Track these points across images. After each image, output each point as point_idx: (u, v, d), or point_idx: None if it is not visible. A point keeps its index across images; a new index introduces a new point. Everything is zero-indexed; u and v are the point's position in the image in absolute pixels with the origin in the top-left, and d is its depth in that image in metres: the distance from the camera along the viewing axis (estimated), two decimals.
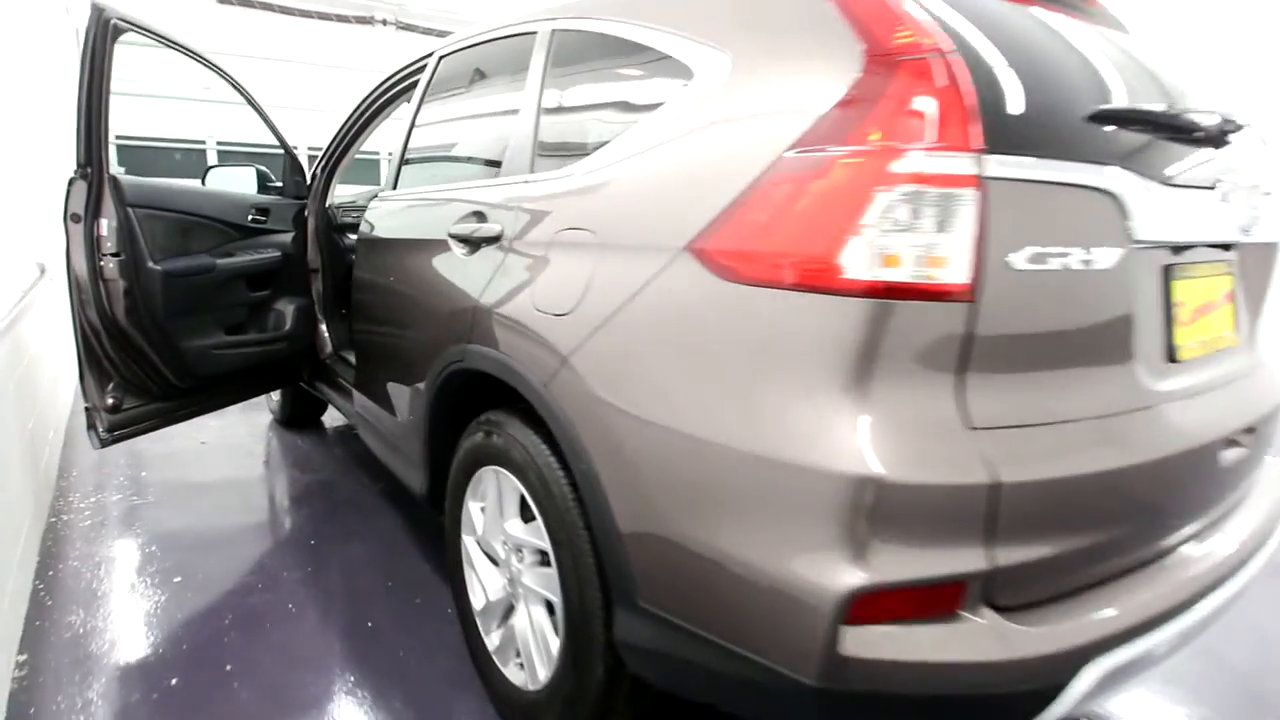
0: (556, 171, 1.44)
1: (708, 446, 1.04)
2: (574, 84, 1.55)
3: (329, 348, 3.07)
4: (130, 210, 2.14)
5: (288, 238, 2.84)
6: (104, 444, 2.17)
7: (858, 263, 0.92)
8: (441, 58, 2.15)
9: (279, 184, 2.96)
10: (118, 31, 2.02)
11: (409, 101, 2.31)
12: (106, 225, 2.08)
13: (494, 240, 1.55)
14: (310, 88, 8.20)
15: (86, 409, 2.16)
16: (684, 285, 1.09)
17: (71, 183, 2.04)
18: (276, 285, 2.78)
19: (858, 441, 0.93)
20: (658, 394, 1.11)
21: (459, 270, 1.66)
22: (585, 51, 1.53)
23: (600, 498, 1.19)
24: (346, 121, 2.80)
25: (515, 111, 1.67)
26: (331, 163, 2.96)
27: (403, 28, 8.84)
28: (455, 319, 1.63)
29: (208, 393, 2.57)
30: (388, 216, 2.19)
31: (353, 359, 2.91)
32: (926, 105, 0.91)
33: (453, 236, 1.70)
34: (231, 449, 3.25)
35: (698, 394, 1.06)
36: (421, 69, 2.24)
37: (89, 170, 2.03)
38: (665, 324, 1.11)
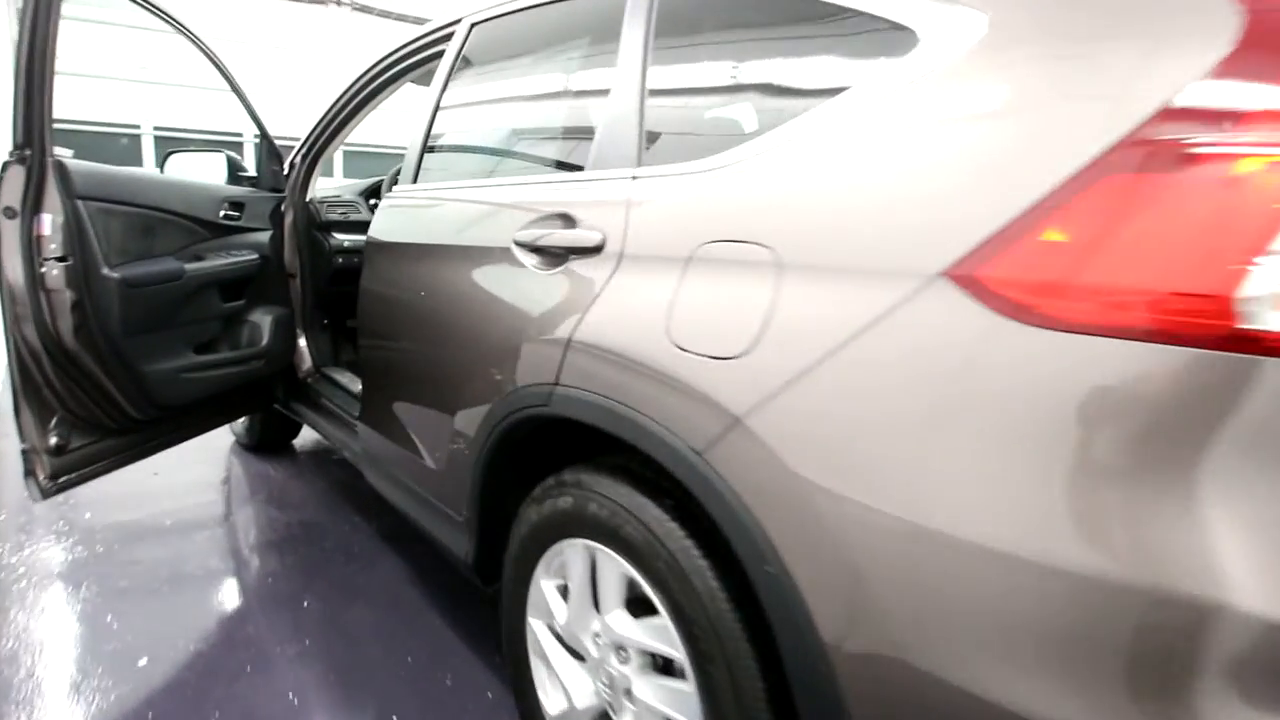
0: (685, 166, 1.11)
1: (982, 553, 0.74)
2: (700, 51, 1.23)
3: (308, 363, 2.66)
4: (80, 203, 1.71)
5: (264, 237, 2.42)
6: (46, 494, 1.74)
7: (1261, 304, 0.63)
8: (475, 24, 1.78)
9: (253, 174, 2.53)
10: None
11: (426, 80, 1.94)
12: (50, 222, 1.66)
13: (592, 252, 1.21)
14: (255, 70, 7.58)
15: (24, 451, 1.73)
16: (942, 325, 0.78)
17: (5, 167, 1.60)
18: (253, 293, 2.36)
19: (1253, 564, 0.63)
20: (897, 475, 0.80)
21: (534, 289, 1.31)
22: (716, 8, 1.20)
23: (793, 605, 0.87)
24: (334, 105, 2.40)
25: (602, 90, 1.33)
26: (313, 152, 2.55)
27: (358, 9, 8.29)
28: (532, 353, 1.28)
29: (172, 424, 2.15)
30: (409, 216, 1.81)
31: (341, 379, 2.52)
32: None
33: (521, 245, 1.35)
34: (192, 483, 2.80)
35: (964, 477, 0.75)
36: (445, 39, 1.88)
37: (28, 153, 1.60)
38: (913, 378, 0.79)
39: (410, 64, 2.08)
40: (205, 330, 2.18)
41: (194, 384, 2.10)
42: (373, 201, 2.81)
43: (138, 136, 7.23)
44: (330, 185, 2.87)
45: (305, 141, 2.55)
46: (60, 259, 1.67)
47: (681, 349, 1.00)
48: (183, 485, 2.75)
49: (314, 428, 2.53)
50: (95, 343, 1.78)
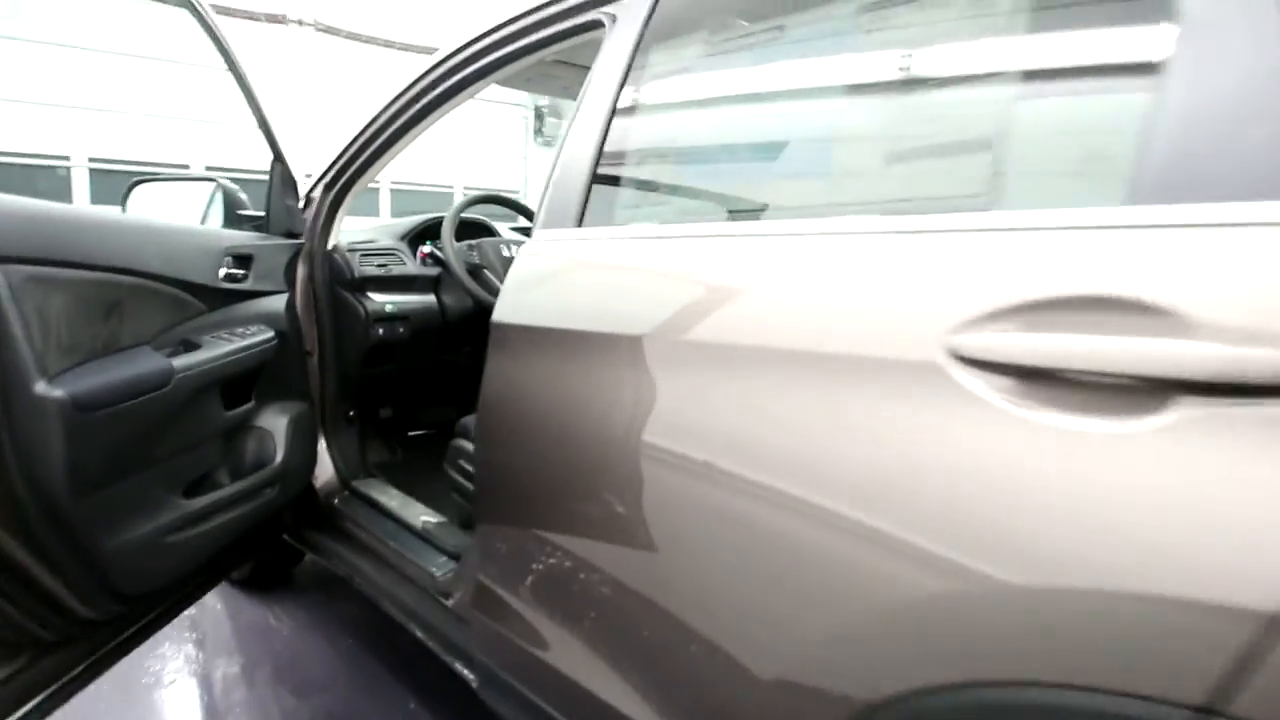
0: None
1: None
2: None
3: (331, 477, 1.89)
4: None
5: (280, 303, 1.66)
6: None
7: None
8: None
9: (256, 213, 1.76)
10: None
11: (521, 81, 1.24)
12: None
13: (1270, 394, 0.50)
14: (213, 95, 6.72)
15: None
16: None
17: None
18: (264, 388, 1.59)
19: None
20: None
21: (1053, 469, 0.59)
22: None
23: None
24: (378, 117, 1.67)
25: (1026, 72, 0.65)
26: (342, 183, 1.81)
27: (324, 30, 7.50)
28: (1048, 604, 0.57)
29: (142, 616, 1.35)
30: (594, 283, 1.07)
31: (381, 499, 1.77)
32: None
33: (974, 363, 0.63)
34: (166, 639, 1.95)
35: None
36: (595, 22, 1.17)
37: None
38: None
39: (511, 53, 1.37)
40: (200, 460, 1.40)
41: (183, 550, 1.31)
42: (426, 248, 2.04)
43: (67, 169, 6.24)
44: (357, 227, 2.12)
45: (330, 168, 1.80)
46: None
47: None
48: (157, 641, 1.91)
49: (344, 570, 1.75)
50: (18, 510, 1.00)
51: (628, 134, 1.11)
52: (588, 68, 1.18)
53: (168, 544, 1.27)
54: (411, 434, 2.34)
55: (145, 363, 1.20)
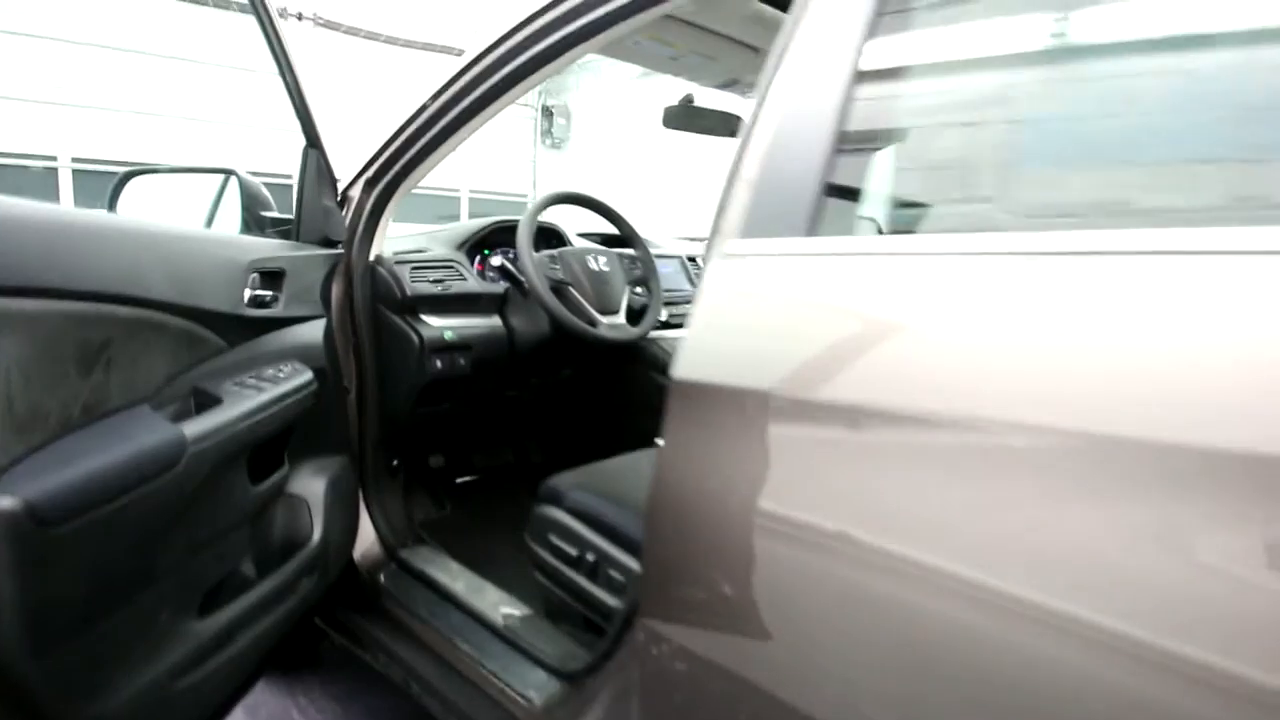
0: None
1: None
2: None
3: (373, 545, 1.51)
4: None
5: (317, 332, 1.28)
6: None
7: None
8: None
9: (283, 215, 1.37)
10: None
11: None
12: None
13: None
14: (214, 93, 6.31)
15: None
16: None
17: None
18: (298, 440, 1.20)
19: None
20: None
21: None
22: None
23: None
24: (431, 106, 1.29)
25: None
26: (388, 181, 1.43)
27: (323, 25, 7.10)
28: None
29: None
30: (851, 323, 0.68)
31: (440, 577, 1.40)
32: None
33: None
34: None
35: None
36: None
37: None
38: None
39: (613, 12, 1.00)
40: (220, 560, 1.00)
41: (200, 692, 0.92)
42: (497, 260, 1.64)
43: (48, 169, 5.82)
44: (401, 234, 1.73)
45: (372, 162, 1.42)
46: None
47: None
48: None
49: (396, 672, 1.37)
50: None
51: (889, 95, 0.73)
52: (711, 30, 0.80)
53: (179, 691, 0.88)
54: (459, 480, 1.95)
55: (145, 433, 0.81)
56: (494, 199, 8.52)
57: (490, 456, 1.99)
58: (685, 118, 1.77)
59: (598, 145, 8.97)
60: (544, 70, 1.20)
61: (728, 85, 1.64)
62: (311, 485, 1.28)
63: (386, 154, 1.42)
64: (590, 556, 1.21)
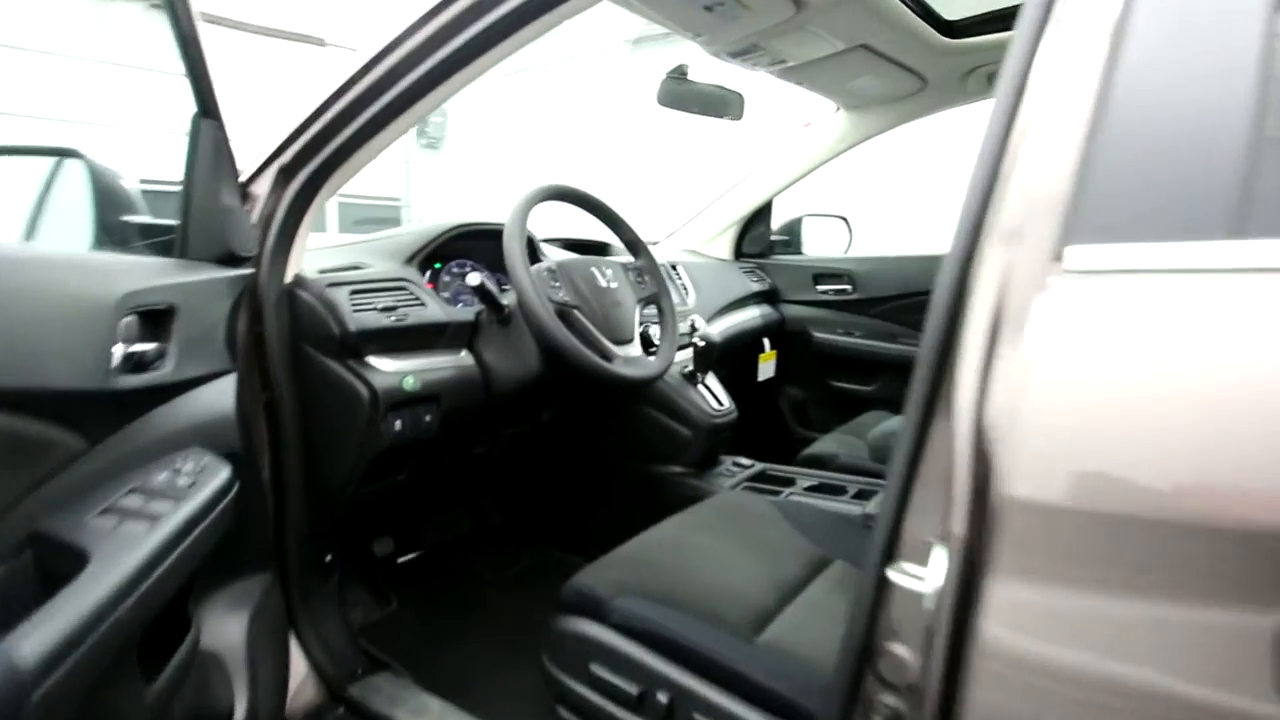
0: None
1: None
2: None
3: (312, 679, 1.08)
4: None
5: (226, 395, 0.83)
6: None
7: None
8: None
9: (160, 221, 0.91)
10: None
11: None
12: None
13: None
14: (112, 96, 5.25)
15: None
16: None
17: None
18: (205, 574, 0.76)
19: None
20: None
21: None
22: None
23: None
24: (370, 74, 0.91)
25: None
26: (312, 172, 1.01)
27: (210, 20, 6.16)
28: None
29: None
30: None
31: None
32: None
33: None
34: None
35: None
36: None
37: None
38: None
39: None
40: None
41: None
42: (476, 279, 1.16)
43: None
44: (323, 243, 1.26)
45: (286, 145, 1.01)
46: None
47: None
48: None
49: None
50: None
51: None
52: None
53: None
54: (401, 560, 1.51)
55: None
56: (364, 203, 7.76)
57: (443, 528, 1.55)
58: (680, 95, 1.44)
59: (478, 146, 8.42)
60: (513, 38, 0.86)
61: (744, 53, 1.32)
62: (225, 631, 0.84)
63: (308, 135, 1.00)
64: (663, 696, 0.86)
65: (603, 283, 1.19)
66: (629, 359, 1.16)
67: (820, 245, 2.23)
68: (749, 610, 0.91)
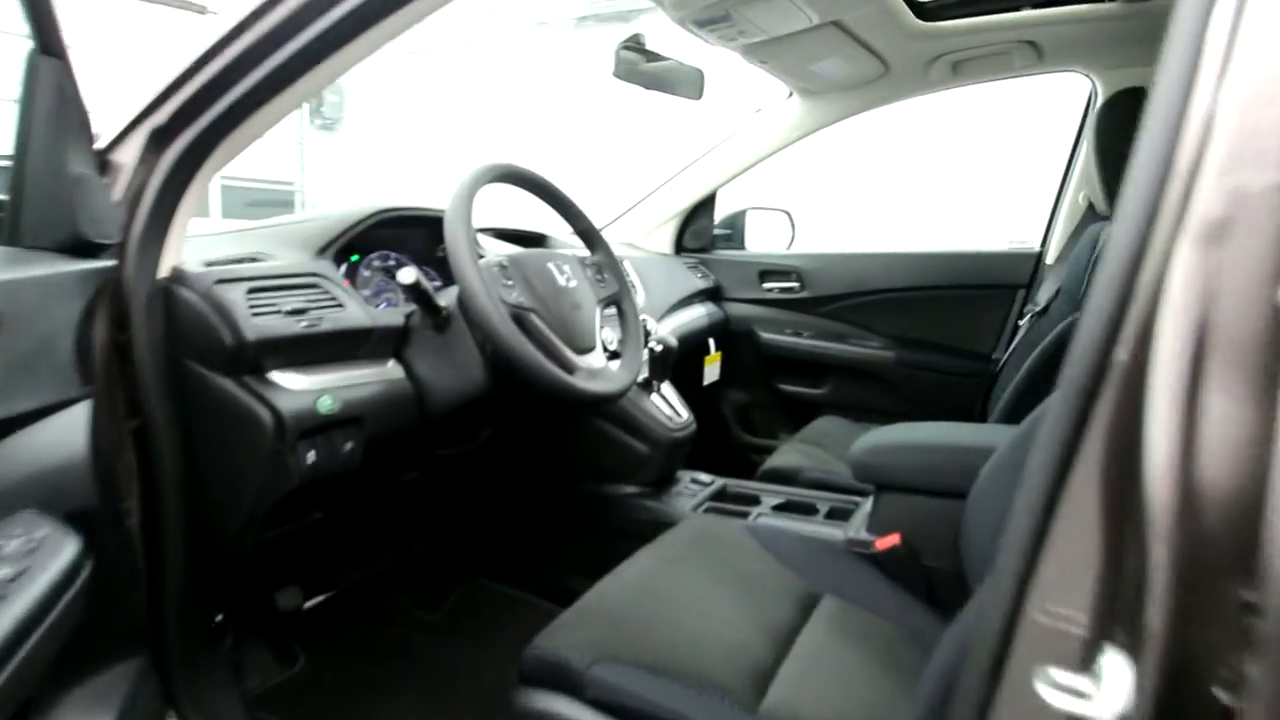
0: None
1: None
2: None
3: None
4: None
5: (77, 433, 0.61)
6: None
7: None
8: None
9: None
10: None
11: None
12: None
13: None
14: None
15: None
16: None
17: None
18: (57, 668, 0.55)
19: None
20: None
21: None
22: None
23: None
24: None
25: None
26: (198, 135, 0.79)
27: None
28: None
29: None
30: None
31: None
32: None
33: None
34: None
35: None
36: None
37: None
38: None
39: None
40: None
41: None
42: (409, 276, 0.92)
43: None
44: (208, 229, 1.01)
45: (163, 98, 0.78)
46: None
47: None
48: None
49: None
50: None
51: None
52: None
53: None
54: (308, 605, 1.28)
55: None
56: (254, 187, 7.16)
57: (361, 565, 1.33)
58: (637, 69, 1.28)
59: (376, 126, 7.94)
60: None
61: (712, 22, 1.17)
62: None
63: (188, 90, 0.78)
64: None
65: (561, 281, 1.01)
66: (592, 371, 0.99)
67: (763, 240, 2.12)
68: (744, 669, 0.78)
